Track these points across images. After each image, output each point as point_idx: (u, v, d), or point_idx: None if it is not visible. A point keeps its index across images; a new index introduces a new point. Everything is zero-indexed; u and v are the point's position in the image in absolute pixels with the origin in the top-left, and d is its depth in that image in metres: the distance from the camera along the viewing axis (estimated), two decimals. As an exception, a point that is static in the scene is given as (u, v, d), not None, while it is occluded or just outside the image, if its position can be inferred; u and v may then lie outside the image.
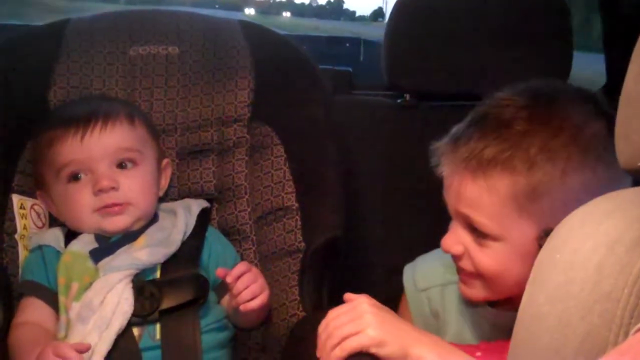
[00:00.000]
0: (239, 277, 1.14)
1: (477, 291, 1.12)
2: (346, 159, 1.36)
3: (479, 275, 1.09)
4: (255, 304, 1.15)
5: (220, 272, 1.15)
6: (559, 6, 1.63)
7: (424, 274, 1.27)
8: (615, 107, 0.72)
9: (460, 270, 1.12)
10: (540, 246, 0.99)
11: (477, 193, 1.04)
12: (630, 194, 0.73)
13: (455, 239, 1.10)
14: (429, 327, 1.25)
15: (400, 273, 1.30)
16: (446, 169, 1.10)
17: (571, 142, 1.02)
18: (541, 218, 1.02)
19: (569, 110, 1.04)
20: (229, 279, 1.14)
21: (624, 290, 0.63)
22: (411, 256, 1.32)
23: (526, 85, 1.10)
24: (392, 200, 1.61)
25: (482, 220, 1.05)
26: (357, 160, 1.57)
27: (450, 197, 1.10)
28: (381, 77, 1.70)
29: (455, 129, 1.11)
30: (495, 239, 1.05)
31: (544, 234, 0.99)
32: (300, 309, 1.25)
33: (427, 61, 1.62)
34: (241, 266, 1.16)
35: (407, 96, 1.68)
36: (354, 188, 1.46)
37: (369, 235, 1.60)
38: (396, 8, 1.65)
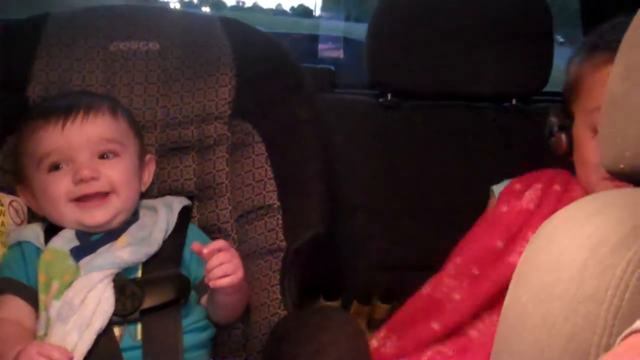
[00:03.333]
0: (213, 253, 1.11)
1: None
2: (328, 157, 1.35)
3: None
4: (225, 281, 1.11)
5: (195, 246, 1.12)
6: (541, 7, 1.64)
7: None
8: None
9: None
10: None
11: None
12: (614, 196, 0.73)
13: None
14: None
15: (383, 270, 1.30)
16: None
17: None
18: None
19: None
20: (205, 251, 1.11)
21: (607, 291, 0.64)
22: (394, 253, 1.32)
23: None
24: (374, 198, 1.61)
25: None
26: (339, 158, 1.56)
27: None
28: (363, 76, 1.69)
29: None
30: None
31: None
32: (282, 307, 1.24)
33: (409, 60, 1.62)
34: (218, 243, 1.13)
35: (389, 95, 1.68)
36: (336, 186, 1.45)
37: (351, 233, 1.59)
38: (379, 7, 1.65)
